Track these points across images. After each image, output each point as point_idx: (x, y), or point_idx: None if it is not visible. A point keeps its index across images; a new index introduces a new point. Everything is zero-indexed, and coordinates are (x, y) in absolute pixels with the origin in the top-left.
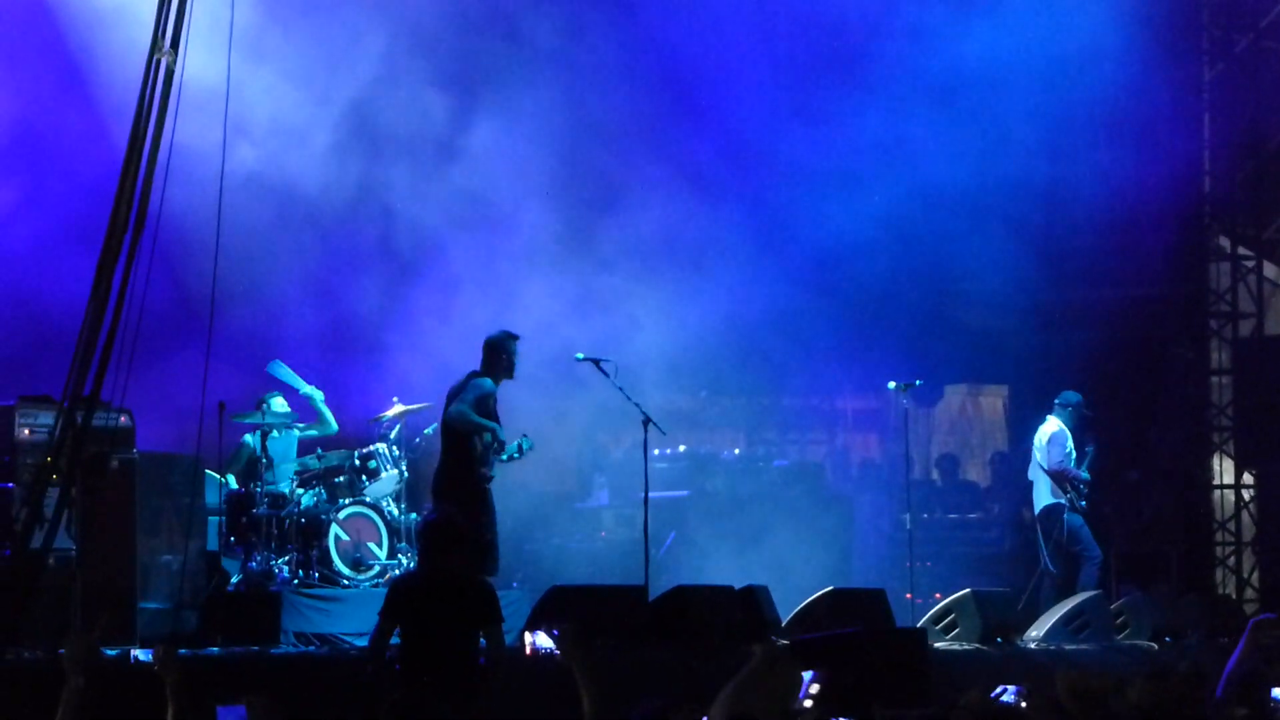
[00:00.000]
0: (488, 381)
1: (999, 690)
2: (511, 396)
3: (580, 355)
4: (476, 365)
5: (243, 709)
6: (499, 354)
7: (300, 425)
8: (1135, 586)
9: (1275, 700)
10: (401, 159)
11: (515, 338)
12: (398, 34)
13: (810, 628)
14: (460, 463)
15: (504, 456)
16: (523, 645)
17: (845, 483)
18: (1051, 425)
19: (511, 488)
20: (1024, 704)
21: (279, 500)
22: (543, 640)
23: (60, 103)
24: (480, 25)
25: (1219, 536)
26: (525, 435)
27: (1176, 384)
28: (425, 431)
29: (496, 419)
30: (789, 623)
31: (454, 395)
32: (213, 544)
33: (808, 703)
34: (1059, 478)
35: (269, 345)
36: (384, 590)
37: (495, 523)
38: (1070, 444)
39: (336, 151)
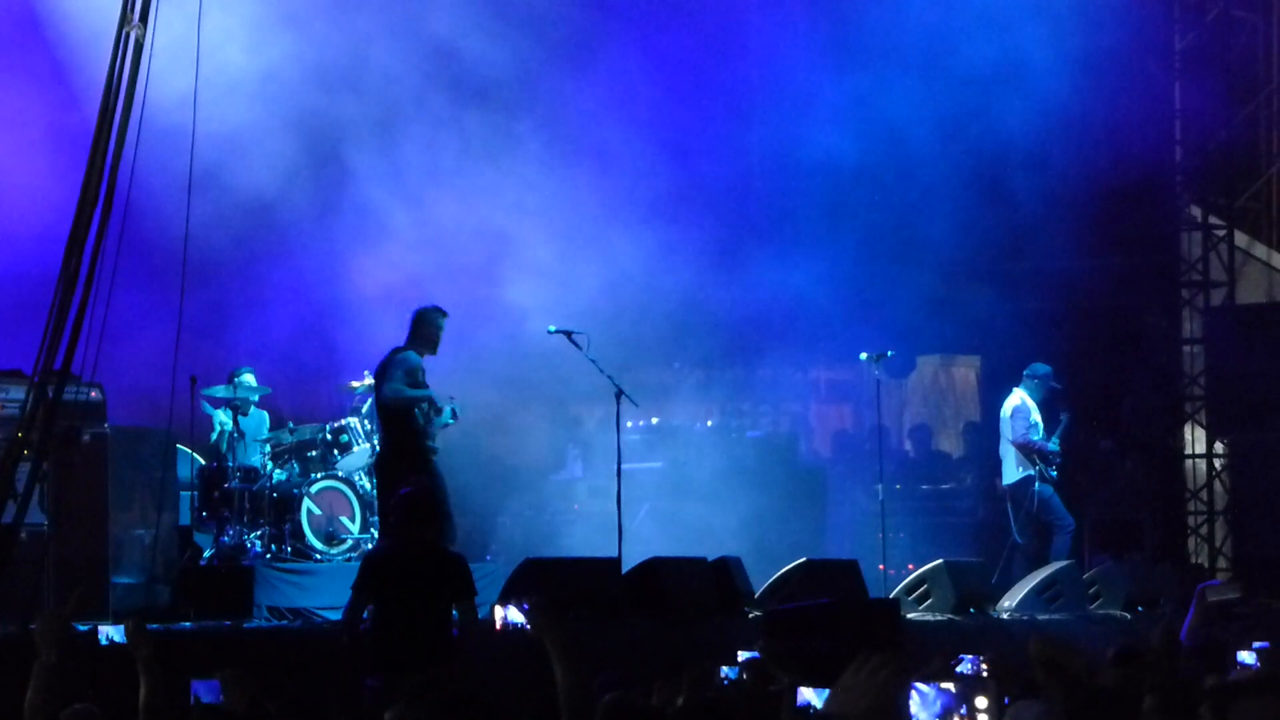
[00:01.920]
0: (412, 355)
1: (957, 659)
2: (485, 367)
3: (553, 328)
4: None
5: (217, 683)
6: (425, 327)
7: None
8: (1108, 556)
9: (1243, 664)
10: (376, 128)
11: (444, 314)
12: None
13: (784, 599)
14: (404, 439)
15: (440, 422)
16: (493, 619)
17: (818, 454)
18: (1015, 398)
19: (485, 460)
20: (985, 672)
21: (251, 474)
22: (514, 614)
23: (29, 76)
24: None
25: (1191, 506)
26: (453, 398)
27: (1148, 353)
28: None
29: (426, 389)
30: (762, 594)
31: (378, 375)
32: (185, 518)
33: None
34: (1025, 450)
35: (240, 319)
36: (357, 564)
37: (446, 493)
38: (1035, 415)
39: (306, 120)
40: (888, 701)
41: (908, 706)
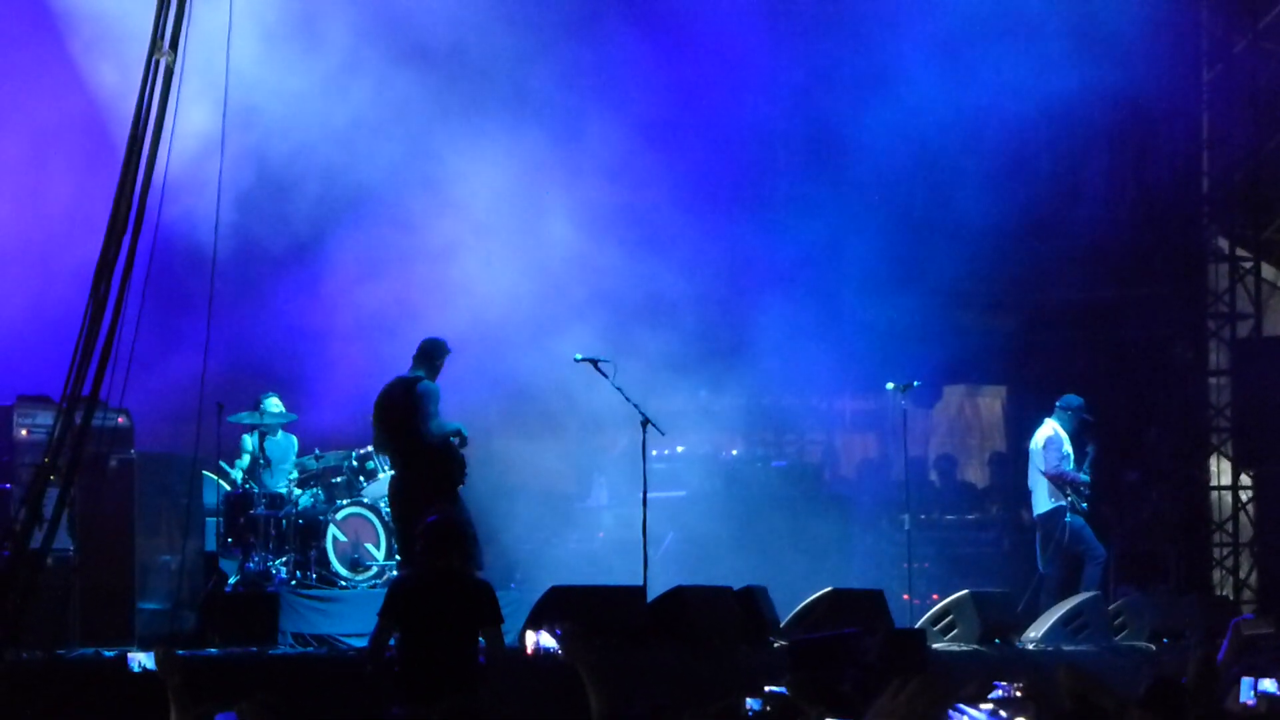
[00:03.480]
0: (435, 385)
1: (992, 686)
2: (511, 396)
3: (579, 356)
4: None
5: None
6: (435, 359)
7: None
8: (1133, 587)
9: (1265, 693)
10: (399, 152)
11: (449, 350)
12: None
13: (809, 628)
14: (444, 469)
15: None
16: (524, 645)
17: (843, 483)
18: (1047, 429)
19: (510, 488)
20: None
21: (277, 501)
22: (546, 640)
23: (61, 103)
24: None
25: (1217, 538)
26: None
27: (1175, 385)
28: None
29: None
30: (788, 623)
31: (399, 407)
32: (211, 544)
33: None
34: (1057, 481)
35: (267, 346)
36: (382, 591)
37: (470, 518)
38: (1067, 446)
39: (332, 146)
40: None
41: None
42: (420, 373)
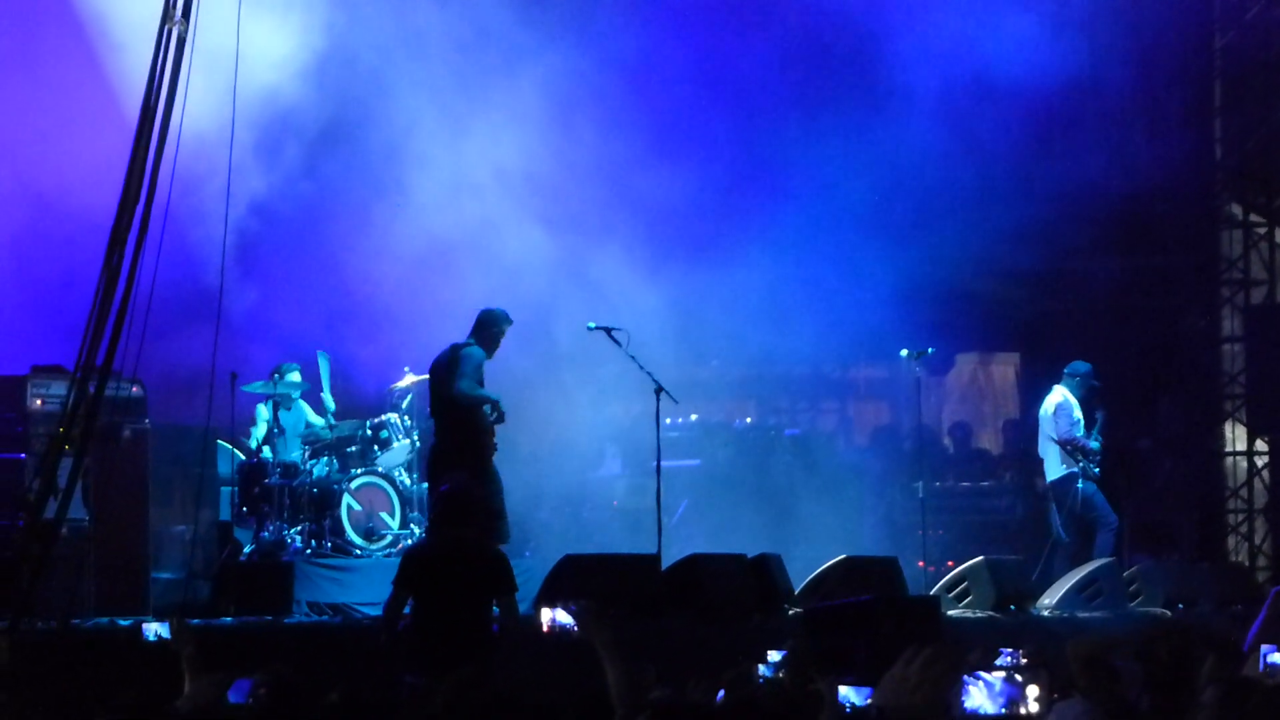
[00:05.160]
0: (479, 351)
1: (996, 653)
2: (524, 365)
3: (592, 325)
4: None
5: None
6: (490, 329)
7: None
8: (1147, 555)
9: (1274, 665)
10: (411, 127)
11: (510, 321)
12: None
13: (823, 596)
14: (468, 435)
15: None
16: (540, 621)
17: (857, 451)
18: (1057, 395)
19: (524, 457)
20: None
21: (291, 470)
22: (561, 616)
23: (73, 73)
24: None
25: (1231, 504)
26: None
27: (1188, 352)
28: None
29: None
30: (802, 591)
31: (444, 369)
32: (225, 514)
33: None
34: (1069, 447)
35: (280, 315)
36: (396, 560)
37: (501, 490)
38: (1077, 412)
39: (342, 114)
40: (941, 694)
41: (959, 699)
42: (472, 340)
